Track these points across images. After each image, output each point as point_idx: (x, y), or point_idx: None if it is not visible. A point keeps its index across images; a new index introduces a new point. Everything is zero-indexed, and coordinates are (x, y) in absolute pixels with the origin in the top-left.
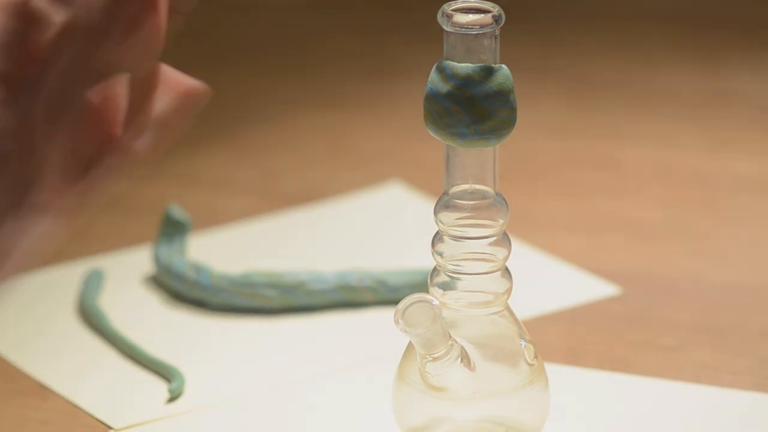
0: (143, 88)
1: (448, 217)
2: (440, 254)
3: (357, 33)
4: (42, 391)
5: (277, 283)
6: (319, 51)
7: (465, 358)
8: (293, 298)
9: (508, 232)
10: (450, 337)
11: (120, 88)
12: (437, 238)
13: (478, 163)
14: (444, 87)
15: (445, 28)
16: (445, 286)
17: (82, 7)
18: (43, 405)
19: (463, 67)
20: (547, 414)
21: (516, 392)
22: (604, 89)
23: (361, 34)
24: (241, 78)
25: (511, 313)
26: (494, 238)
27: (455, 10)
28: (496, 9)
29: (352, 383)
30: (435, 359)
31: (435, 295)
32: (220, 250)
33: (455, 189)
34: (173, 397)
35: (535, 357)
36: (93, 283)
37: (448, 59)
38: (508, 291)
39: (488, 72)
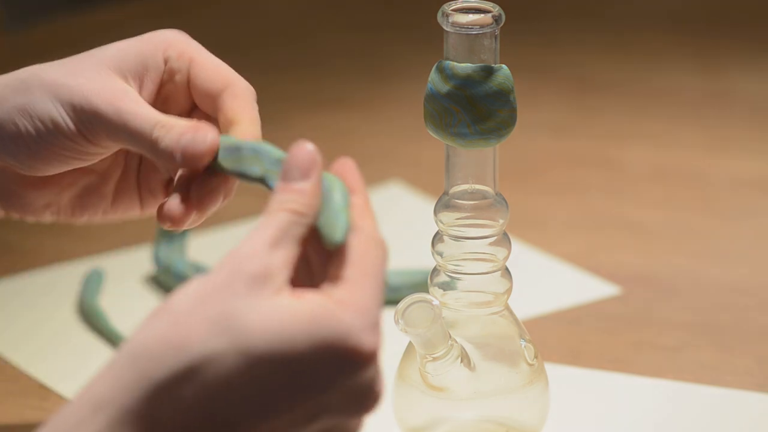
0: None
1: (448, 217)
2: (440, 254)
3: (357, 32)
4: (42, 391)
5: None
6: (319, 50)
7: (465, 358)
8: None
9: (508, 232)
10: (450, 337)
11: None
12: (437, 238)
13: (478, 163)
14: (444, 87)
15: (445, 28)
16: (445, 286)
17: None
18: (43, 405)
19: (463, 67)
20: (547, 414)
21: (516, 392)
22: (604, 89)
23: (361, 33)
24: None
25: (511, 313)
26: (494, 238)
27: (455, 10)
28: (496, 9)
29: None
30: (435, 359)
31: (435, 295)
32: (220, 250)
33: (455, 189)
34: None
35: (535, 357)
36: (93, 283)
37: (448, 59)
38: (508, 291)
39: (488, 72)
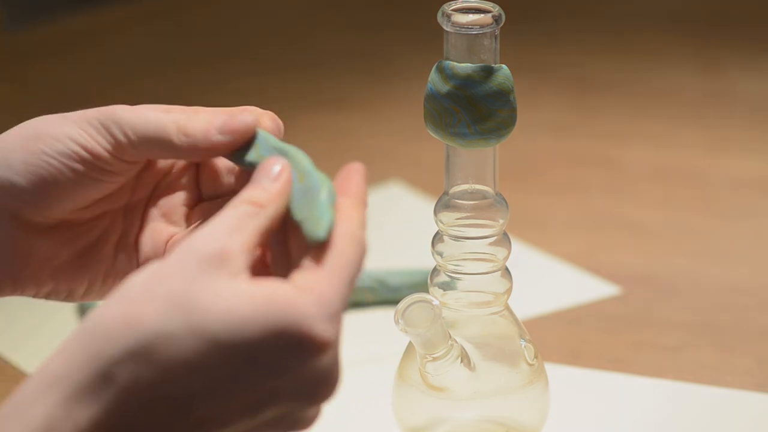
0: None
1: (448, 217)
2: (440, 254)
3: (357, 32)
4: None
5: None
6: (319, 51)
7: (465, 358)
8: None
9: (508, 232)
10: (450, 337)
11: None
12: (437, 238)
13: (478, 163)
14: (444, 87)
15: (445, 28)
16: (445, 286)
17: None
18: None
19: (463, 67)
20: (547, 414)
21: (516, 392)
22: (604, 89)
23: (361, 33)
24: (240, 77)
25: (511, 313)
26: (494, 238)
27: (455, 10)
28: (496, 9)
29: (352, 383)
30: (435, 359)
31: (435, 295)
32: None
33: (455, 189)
34: None
35: (535, 357)
36: None
37: (448, 59)
38: (508, 291)
39: (488, 72)
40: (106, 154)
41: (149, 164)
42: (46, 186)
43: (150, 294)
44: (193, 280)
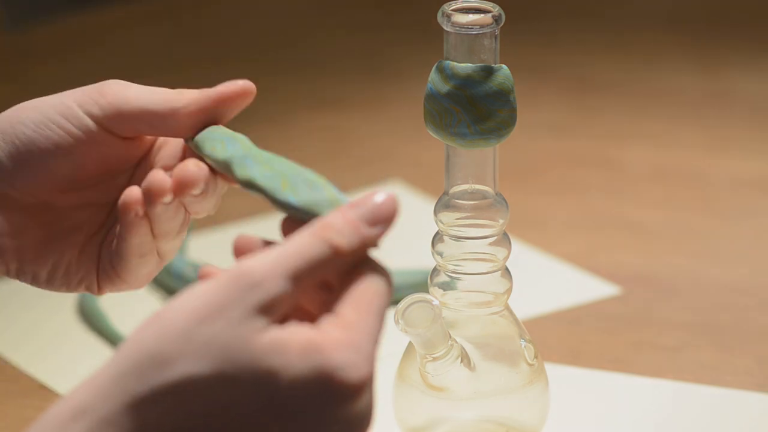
0: None
1: (448, 217)
2: (440, 254)
3: (357, 33)
4: (42, 391)
5: None
6: (319, 51)
7: (465, 358)
8: None
9: (508, 232)
10: (450, 337)
11: None
12: (437, 238)
13: (478, 163)
14: (444, 87)
15: (445, 28)
16: (445, 286)
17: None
18: (43, 405)
19: (463, 67)
20: (547, 414)
21: (516, 392)
22: (604, 89)
23: (361, 33)
24: (240, 77)
25: (511, 313)
26: (494, 238)
27: (455, 10)
28: (496, 9)
29: None
30: (435, 359)
31: (435, 295)
32: (220, 250)
33: (455, 189)
34: None
35: (535, 357)
36: None
37: (448, 59)
38: (508, 291)
39: (488, 72)
40: (81, 114)
41: (144, 164)
42: (20, 154)
43: (186, 334)
44: (233, 328)
